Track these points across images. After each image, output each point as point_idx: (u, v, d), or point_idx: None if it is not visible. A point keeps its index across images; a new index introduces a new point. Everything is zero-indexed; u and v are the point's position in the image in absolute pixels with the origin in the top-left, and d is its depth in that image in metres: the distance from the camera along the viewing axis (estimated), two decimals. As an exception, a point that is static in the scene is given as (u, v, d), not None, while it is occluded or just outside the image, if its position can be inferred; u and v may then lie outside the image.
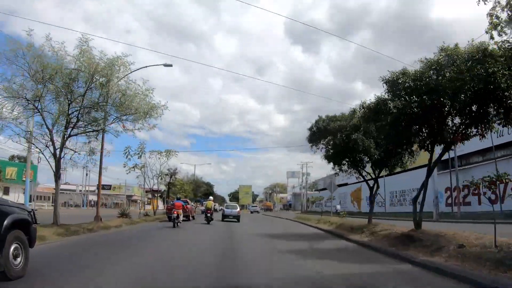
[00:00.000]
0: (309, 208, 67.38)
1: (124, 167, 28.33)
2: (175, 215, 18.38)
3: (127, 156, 28.45)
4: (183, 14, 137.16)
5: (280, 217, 39.30)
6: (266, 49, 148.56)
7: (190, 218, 25.42)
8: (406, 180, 33.91)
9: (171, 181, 35.29)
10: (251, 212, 66.20)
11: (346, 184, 51.54)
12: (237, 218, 24.93)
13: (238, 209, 26.33)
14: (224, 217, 25.60)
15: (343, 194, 50.86)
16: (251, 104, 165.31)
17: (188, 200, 28.81)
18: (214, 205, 29.91)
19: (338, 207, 46.55)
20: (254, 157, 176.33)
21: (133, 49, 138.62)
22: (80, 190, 62.11)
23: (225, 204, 34.75)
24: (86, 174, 58.80)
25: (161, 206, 56.34)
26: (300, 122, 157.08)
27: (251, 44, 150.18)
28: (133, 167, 28.35)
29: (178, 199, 23.81)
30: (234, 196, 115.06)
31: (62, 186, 70.78)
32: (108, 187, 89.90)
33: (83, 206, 57.11)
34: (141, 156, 28.41)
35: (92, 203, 57.62)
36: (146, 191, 63.18)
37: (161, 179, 29.45)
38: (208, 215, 21.83)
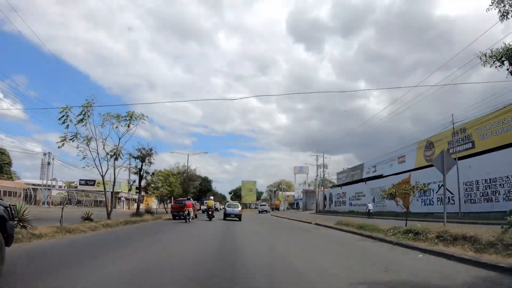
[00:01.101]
0: (326, 207, 55.82)
1: (63, 141, 17.26)
2: (186, 212, 21.05)
3: (64, 122, 17.43)
4: (185, 12, 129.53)
5: (298, 220, 27.75)
6: (268, 47, 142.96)
7: (193, 216, 25.93)
8: (496, 163, 22.47)
9: (144, 167, 23.87)
10: (260, 212, 55.33)
11: (380, 176, 40.04)
12: (238, 217, 25.20)
13: (240, 208, 26.57)
14: (226, 216, 25.52)
15: (377, 189, 39.27)
16: (253, 102, 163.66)
17: (191, 199, 28.08)
18: (215, 204, 30.30)
19: (370, 206, 35.42)
20: (255, 156, 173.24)
21: (134, 48, 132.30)
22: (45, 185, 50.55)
23: (227, 203, 34.44)
24: (49, 163, 47.35)
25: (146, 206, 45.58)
26: (302, 121, 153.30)
27: (254, 42, 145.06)
28: (72, 138, 17.20)
29: (188, 199, 26.59)
30: (236, 194, 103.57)
31: (39, 182, 59.93)
32: (92, 182, 79.07)
33: (44, 204, 45.55)
34: (84, 119, 17.20)
35: (46, 198, 46.07)
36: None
37: (116, 159, 18.02)
38: (210, 213, 24.46)
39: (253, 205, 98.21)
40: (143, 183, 28.24)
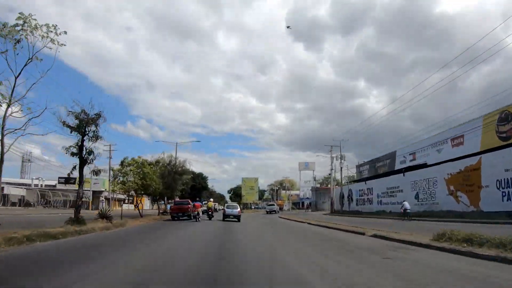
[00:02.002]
0: (344, 206, 46.69)
1: None
2: (196, 212, 23.85)
3: None
4: (184, 11, 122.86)
5: (330, 227, 18.66)
6: (268, 46, 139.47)
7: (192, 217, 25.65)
8: None
9: (87, 144, 14.75)
10: (268, 212, 46.52)
11: (424, 166, 30.95)
12: (237, 218, 25.11)
13: (239, 209, 26.42)
14: (225, 216, 25.43)
15: (422, 182, 30.00)
16: (252, 102, 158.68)
17: (189, 201, 28.10)
18: (214, 205, 31.25)
19: (407, 204, 26.66)
20: (255, 156, 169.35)
21: (133, 48, 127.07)
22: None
23: (226, 204, 33.84)
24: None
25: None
26: (301, 121, 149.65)
27: (253, 42, 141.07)
28: None
29: (197, 201, 31.03)
30: (236, 193, 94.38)
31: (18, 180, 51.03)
32: (72, 180, 70.07)
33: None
34: None
35: None
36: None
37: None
38: (210, 213, 26.70)
39: (254, 205, 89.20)
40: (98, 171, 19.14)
